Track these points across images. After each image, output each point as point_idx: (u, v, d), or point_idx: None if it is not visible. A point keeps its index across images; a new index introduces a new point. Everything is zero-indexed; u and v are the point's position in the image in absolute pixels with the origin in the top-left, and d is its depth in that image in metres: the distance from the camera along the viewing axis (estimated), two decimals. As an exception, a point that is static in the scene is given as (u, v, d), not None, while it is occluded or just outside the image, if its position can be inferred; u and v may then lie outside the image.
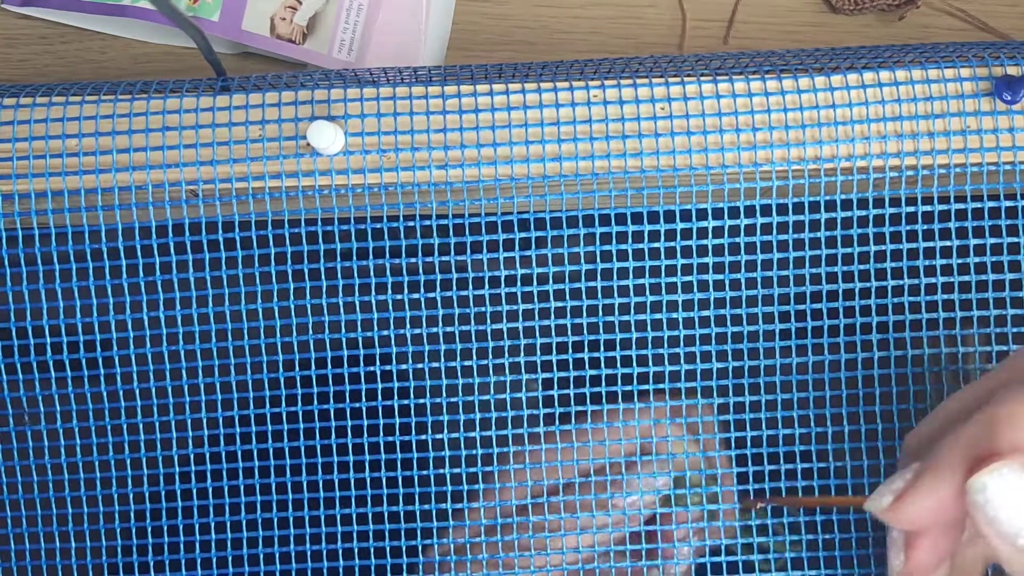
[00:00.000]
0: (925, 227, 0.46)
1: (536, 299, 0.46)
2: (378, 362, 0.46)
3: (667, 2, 0.59)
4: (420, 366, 0.46)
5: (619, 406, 0.46)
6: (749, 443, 0.47)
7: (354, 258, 0.45)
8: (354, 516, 0.46)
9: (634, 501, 0.46)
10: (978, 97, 0.45)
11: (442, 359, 0.46)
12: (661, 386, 0.46)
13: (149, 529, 0.47)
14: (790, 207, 0.45)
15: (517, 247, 0.45)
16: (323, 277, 0.46)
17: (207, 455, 0.46)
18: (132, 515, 0.47)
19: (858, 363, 0.47)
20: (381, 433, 0.46)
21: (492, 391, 0.46)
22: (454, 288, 0.46)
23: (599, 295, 0.46)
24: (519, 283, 0.46)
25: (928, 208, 0.45)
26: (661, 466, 0.46)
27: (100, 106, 0.45)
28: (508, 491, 0.47)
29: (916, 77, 0.45)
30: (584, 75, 0.47)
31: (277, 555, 0.46)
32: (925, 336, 0.46)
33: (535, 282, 0.46)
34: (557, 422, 0.46)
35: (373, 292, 0.45)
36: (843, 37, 0.59)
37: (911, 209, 0.45)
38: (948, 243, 0.46)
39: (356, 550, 0.46)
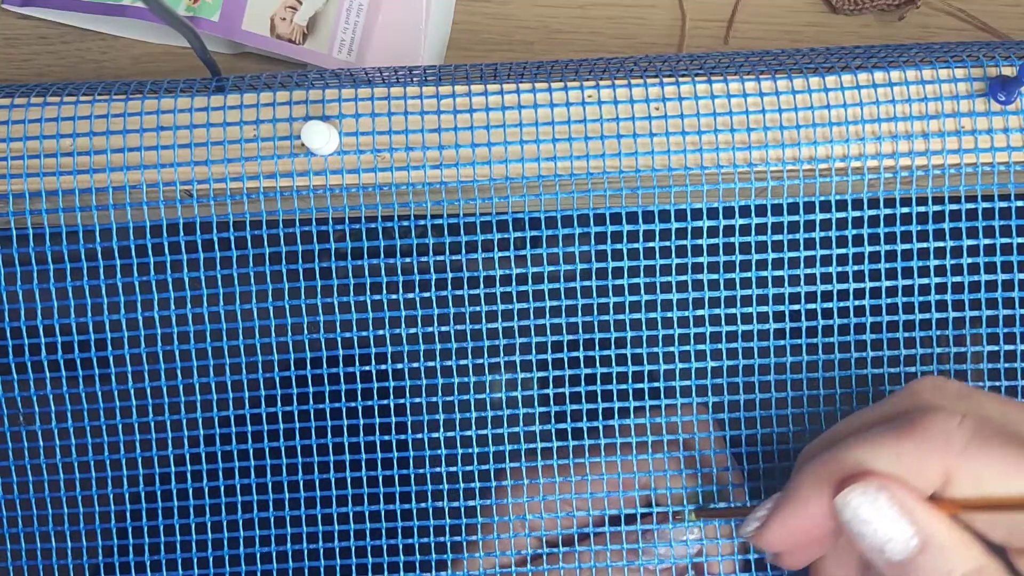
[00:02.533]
0: (920, 227, 0.45)
1: (531, 299, 0.46)
2: (373, 362, 0.46)
3: (667, 2, 0.59)
4: (415, 366, 0.46)
5: (617, 440, 0.46)
6: (743, 442, 0.47)
7: (348, 258, 0.45)
8: (351, 516, 0.46)
9: (666, 552, 0.46)
10: (973, 98, 0.45)
11: (437, 359, 0.46)
12: (659, 385, 0.46)
13: (145, 529, 0.47)
14: (784, 207, 0.45)
15: (512, 247, 0.45)
16: (317, 277, 0.46)
17: (202, 455, 0.46)
18: (128, 515, 0.47)
19: (851, 363, 0.46)
20: (377, 433, 0.46)
21: (488, 391, 0.46)
22: (449, 288, 0.46)
23: (594, 295, 0.46)
24: (514, 283, 0.46)
25: (923, 208, 0.45)
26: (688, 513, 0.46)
27: (95, 106, 0.46)
28: (515, 537, 0.47)
29: (911, 78, 0.45)
30: (579, 75, 0.47)
31: (274, 554, 0.46)
32: (918, 336, 0.46)
33: (530, 282, 0.46)
34: (554, 438, 0.46)
35: (368, 292, 0.45)
36: (843, 37, 0.59)
37: (906, 210, 0.45)
38: (942, 243, 0.45)
39: (353, 549, 0.46)
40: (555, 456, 0.46)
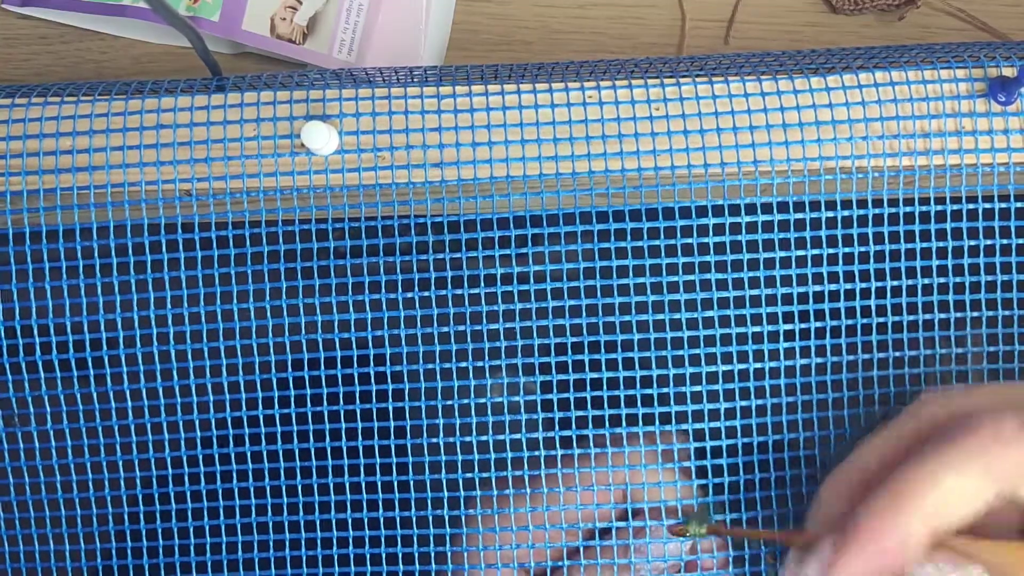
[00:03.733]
0: (920, 227, 0.45)
1: (533, 298, 0.46)
2: (372, 363, 0.46)
3: (667, 2, 0.59)
4: (415, 367, 0.46)
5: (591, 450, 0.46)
6: (755, 449, 0.47)
7: (347, 257, 0.45)
8: (350, 522, 0.46)
9: (658, 566, 0.46)
10: (973, 98, 0.45)
11: (437, 360, 0.46)
12: (656, 390, 0.46)
13: (143, 532, 0.47)
14: (790, 205, 0.45)
15: (513, 245, 0.45)
16: (315, 276, 0.45)
17: (200, 457, 0.46)
18: (126, 517, 0.47)
19: (858, 365, 0.46)
20: (376, 437, 0.46)
21: (488, 393, 0.46)
22: (448, 287, 0.45)
23: (598, 294, 0.45)
24: (515, 282, 0.45)
25: (923, 208, 0.45)
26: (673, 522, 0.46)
27: (95, 105, 0.45)
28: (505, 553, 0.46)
29: (911, 78, 0.45)
30: (580, 76, 0.47)
31: (272, 560, 0.46)
32: (921, 336, 0.46)
33: (532, 280, 0.45)
34: (542, 448, 0.46)
35: (367, 291, 0.45)
36: (843, 37, 0.59)
37: (907, 209, 0.45)
38: (943, 244, 0.45)
39: (352, 557, 0.46)
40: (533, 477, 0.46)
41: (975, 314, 0.46)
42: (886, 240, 0.45)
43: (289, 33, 0.57)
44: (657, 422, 0.46)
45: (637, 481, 0.45)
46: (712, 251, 0.45)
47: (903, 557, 0.38)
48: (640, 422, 0.46)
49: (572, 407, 0.46)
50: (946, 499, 0.38)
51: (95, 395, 0.46)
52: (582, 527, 0.46)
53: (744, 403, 0.46)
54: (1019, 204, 0.45)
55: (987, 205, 0.45)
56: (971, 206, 0.45)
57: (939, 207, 0.45)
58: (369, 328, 0.46)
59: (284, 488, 0.46)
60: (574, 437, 0.45)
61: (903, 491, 0.38)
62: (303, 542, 0.46)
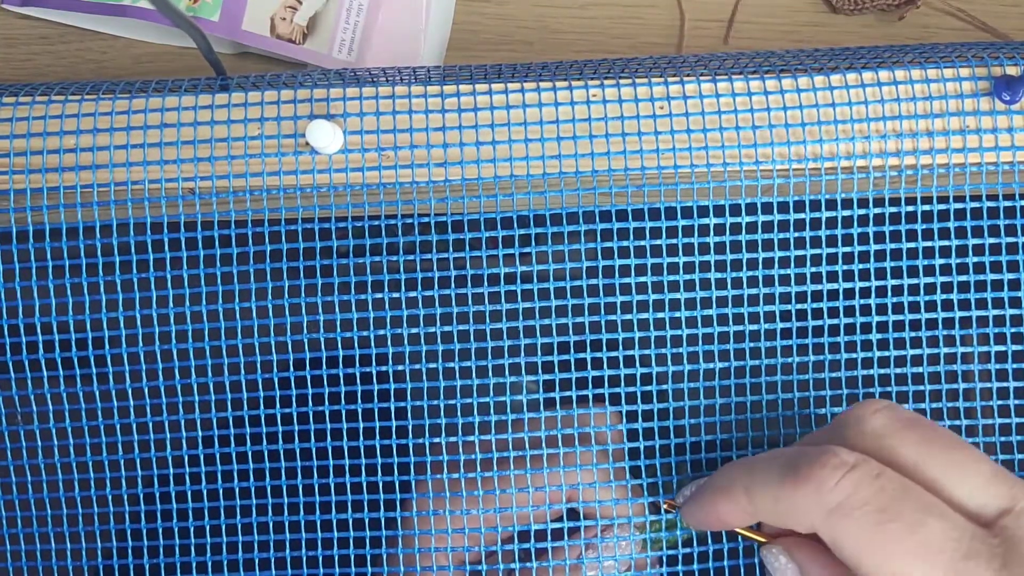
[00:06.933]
0: (924, 226, 0.45)
1: (536, 297, 0.46)
2: (374, 362, 0.46)
3: (667, 2, 0.59)
4: (418, 366, 0.46)
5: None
6: (732, 445, 0.47)
7: (350, 256, 0.45)
8: (351, 522, 0.46)
9: (610, 566, 0.46)
10: (977, 97, 0.45)
11: (440, 359, 0.46)
12: (657, 388, 0.46)
13: (144, 531, 0.46)
14: (791, 205, 0.45)
15: (517, 244, 0.45)
16: (319, 274, 0.45)
17: (201, 456, 0.46)
18: (127, 516, 0.47)
19: (857, 363, 0.46)
20: (378, 436, 0.46)
21: (492, 393, 0.46)
22: (452, 286, 0.45)
23: (600, 293, 0.45)
24: (519, 281, 0.45)
25: (927, 208, 0.45)
26: (622, 528, 0.46)
27: (99, 104, 0.45)
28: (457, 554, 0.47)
29: (915, 77, 0.45)
30: (584, 75, 0.47)
31: (272, 560, 0.46)
32: (924, 336, 0.46)
33: (535, 280, 0.45)
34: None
35: (370, 290, 0.45)
36: (843, 37, 0.59)
37: (911, 208, 0.45)
38: (947, 243, 0.45)
39: (352, 557, 0.46)
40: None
41: (980, 313, 0.46)
42: (887, 240, 0.46)
43: (289, 33, 0.56)
44: (656, 419, 0.46)
45: (574, 482, 0.46)
46: (713, 251, 0.45)
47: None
48: (640, 419, 0.46)
49: (574, 406, 0.46)
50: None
51: (97, 393, 0.46)
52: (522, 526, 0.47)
53: (739, 399, 0.46)
54: (1023, 203, 0.45)
55: (991, 204, 0.45)
56: (975, 204, 0.45)
57: (942, 206, 0.45)
58: (372, 327, 0.45)
59: (285, 487, 0.46)
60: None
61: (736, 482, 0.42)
62: (303, 542, 0.46)
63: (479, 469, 0.45)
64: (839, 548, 0.38)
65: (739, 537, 0.46)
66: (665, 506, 0.46)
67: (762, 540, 0.43)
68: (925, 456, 0.40)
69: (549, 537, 0.46)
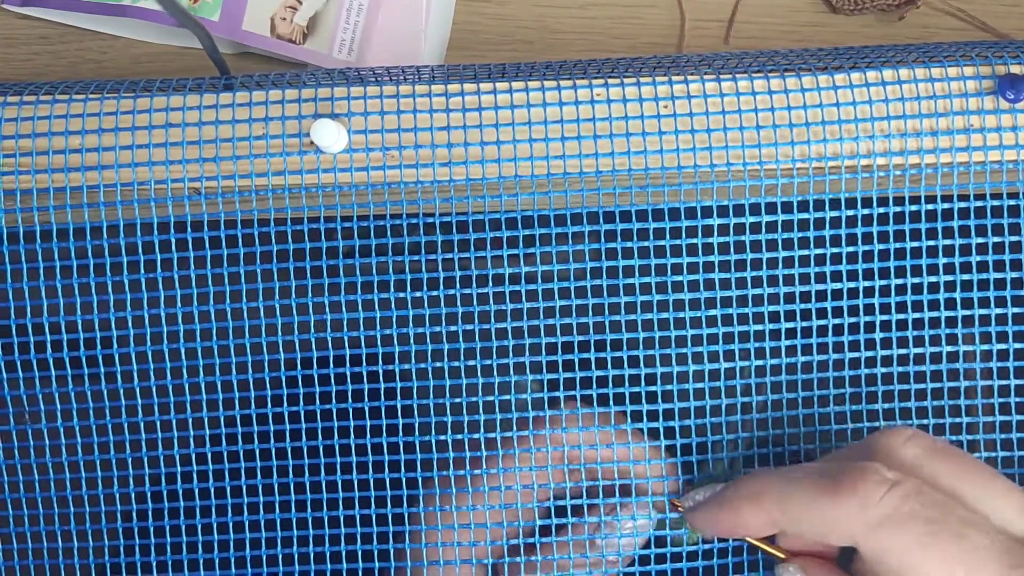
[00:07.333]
0: (927, 225, 0.46)
1: (540, 297, 0.46)
2: (380, 361, 0.46)
3: (667, 2, 0.59)
4: (423, 366, 0.46)
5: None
6: (755, 444, 0.47)
7: (356, 255, 0.45)
8: (358, 519, 0.46)
9: (629, 543, 0.46)
10: (981, 96, 0.45)
11: (445, 359, 0.46)
12: (660, 387, 0.46)
13: (151, 529, 0.46)
14: (794, 205, 0.45)
15: (521, 244, 0.45)
16: (324, 274, 0.45)
17: (208, 455, 0.46)
18: (134, 515, 0.47)
19: (861, 363, 0.47)
20: (384, 434, 0.46)
21: (496, 392, 0.46)
22: (457, 286, 0.45)
23: (604, 293, 0.46)
24: (523, 281, 0.45)
25: (931, 206, 0.45)
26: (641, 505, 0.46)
27: (105, 103, 0.45)
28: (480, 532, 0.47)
29: (919, 75, 0.45)
30: (587, 74, 0.47)
31: (280, 557, 0.46)
32: (927, 335, 0.46)
33: (539, 280, 0.46)
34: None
35: (376, 290, 0.45)
36: (843, 37, 0.59)
37: (914, 207, 0.45)
38: (950, 241, 0.46)
39: (360, 553, 0.46)
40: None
41: (983, 311, 0.46)
42: (891, 239, 0.46)
43: (289, 33, 0.56)
44: (661, 419, 0.46)
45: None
46: (716, 251, 0.46)
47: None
48: (644, 419, 0.46)
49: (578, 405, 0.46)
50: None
51: (105, 393, 0.46)
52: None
53: (746, 399, 0.46)
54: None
55: (996, 202, 0.45)
56: (979, 203, 0.45)
57: (946, 205, 0.45)
58: (378, 327, 0.45)
59: (292, 485, 0.46)
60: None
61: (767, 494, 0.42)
62: (311, 538, 0.46)
63: (484, 466, 0.45)
64: (883, 561, 0.39)
65: (752, 549, 0.46)
66: (670, 505, 0.46)
67: (781, 556, 0.43)
68: (960, 483, 0.40)
69: (569, 514, 0.46)
